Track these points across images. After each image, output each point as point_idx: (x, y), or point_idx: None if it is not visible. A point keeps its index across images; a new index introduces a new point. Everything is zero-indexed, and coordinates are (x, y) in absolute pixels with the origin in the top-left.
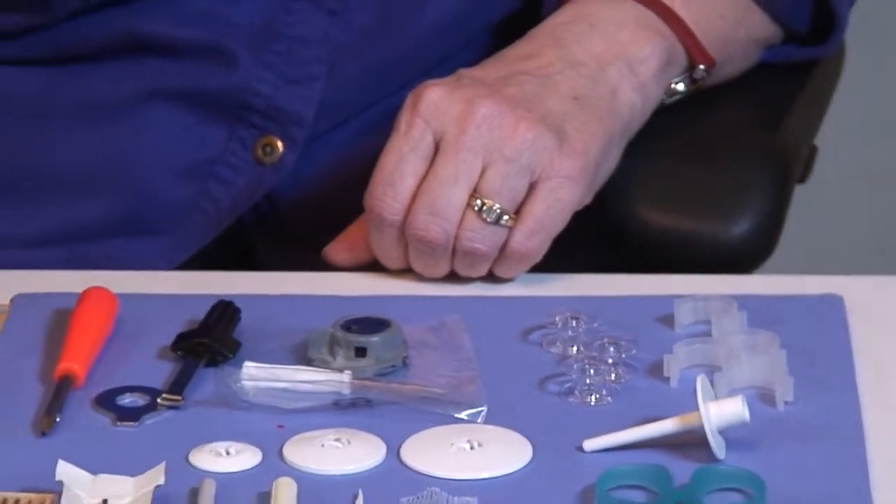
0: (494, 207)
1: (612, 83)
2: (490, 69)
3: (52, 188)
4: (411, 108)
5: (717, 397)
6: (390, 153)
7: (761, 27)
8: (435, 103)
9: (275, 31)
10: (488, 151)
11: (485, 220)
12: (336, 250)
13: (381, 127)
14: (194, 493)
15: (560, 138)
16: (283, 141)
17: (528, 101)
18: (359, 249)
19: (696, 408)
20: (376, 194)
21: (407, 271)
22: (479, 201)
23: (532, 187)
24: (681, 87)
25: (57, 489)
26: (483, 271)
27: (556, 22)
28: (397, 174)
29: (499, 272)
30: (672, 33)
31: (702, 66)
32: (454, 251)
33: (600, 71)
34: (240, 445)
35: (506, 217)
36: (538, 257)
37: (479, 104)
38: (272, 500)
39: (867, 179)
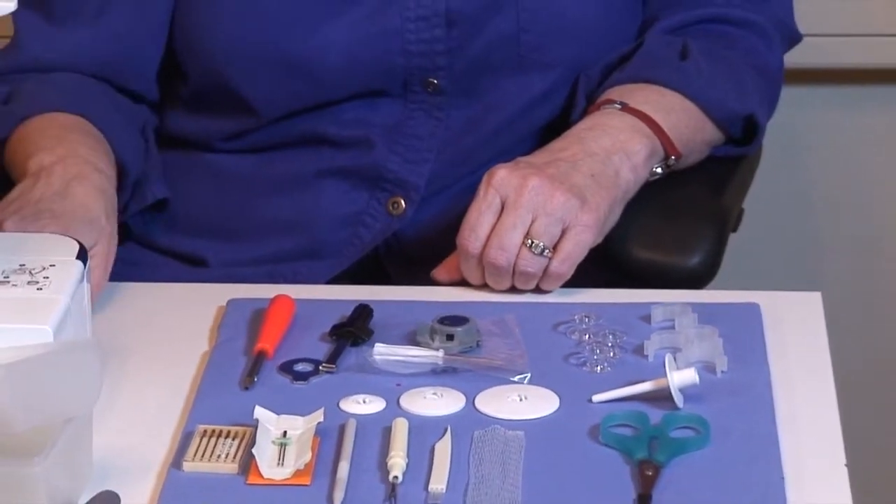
0: (540, 245)
1: (616, 167)
2: (538, 157)
3: (259, 231)
4: (487, 181)
5: (678, 368)
6: (473, 210)
7: (711, 134)
8: (502, 178)
9: (400, 130)
10: (536, 209)
11: (534, 253)
12: (439, 272)
13: (468, 192)
14: (342, 428)
15: (582, 201)
16: (405, 200)
17: (562, 177)
18: (453, 272)
19: (665, 374)
20: (465, 236)
21: (482, 287)
22: (530, 241)
23: (564, 232)
24: (659, 170)
25: (254, 424)
26: (532, 286)
27: (580, 128)
28: (478, 224)
29: (542, 286)
30: (655, 135)
31: (673, 157)
32: (514, 273)
33: (608, 158)
34: (371, 397)
35: (547, 251)
36: (567, 278)
37: (530, 179)
38: (392, 433)
39: (778, 230)
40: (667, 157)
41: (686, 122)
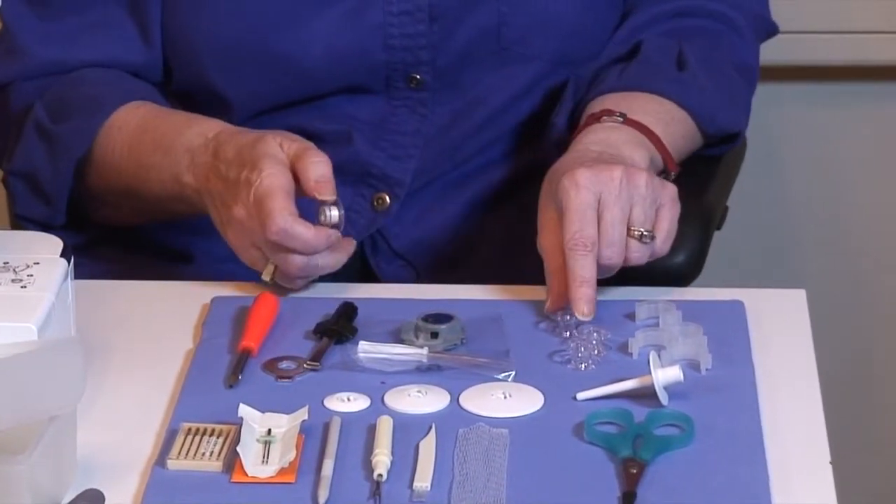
0: (643, 231)
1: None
2: (584, 154)
3: None
4: (573, 185)
5: (662, 366)
6: (572, 215)
7: (698, 143)
8: (589, 177)
9: (385, 127)
10: (631, 197)
11: (641, 242)
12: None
13: (452, 187)
14: (327, 426)
15: (655, 177)
16: (389, 196)
17: (625, 161)
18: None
19: (650, 372)
20: (575, 241)
21: (466, 283)
22: (635, 230)
23: (657, 211)
24: None
25: (238, 422)
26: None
27: (585, 140)
28: (585, 225)
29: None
30: (655, 149)
31: (672, 173)
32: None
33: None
34: (356, 395)
35: (648, 235)
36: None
37: (615, 170)
38: (377, 431)
39: (762, 228)
40: (666, 171)
41: (682, 133)
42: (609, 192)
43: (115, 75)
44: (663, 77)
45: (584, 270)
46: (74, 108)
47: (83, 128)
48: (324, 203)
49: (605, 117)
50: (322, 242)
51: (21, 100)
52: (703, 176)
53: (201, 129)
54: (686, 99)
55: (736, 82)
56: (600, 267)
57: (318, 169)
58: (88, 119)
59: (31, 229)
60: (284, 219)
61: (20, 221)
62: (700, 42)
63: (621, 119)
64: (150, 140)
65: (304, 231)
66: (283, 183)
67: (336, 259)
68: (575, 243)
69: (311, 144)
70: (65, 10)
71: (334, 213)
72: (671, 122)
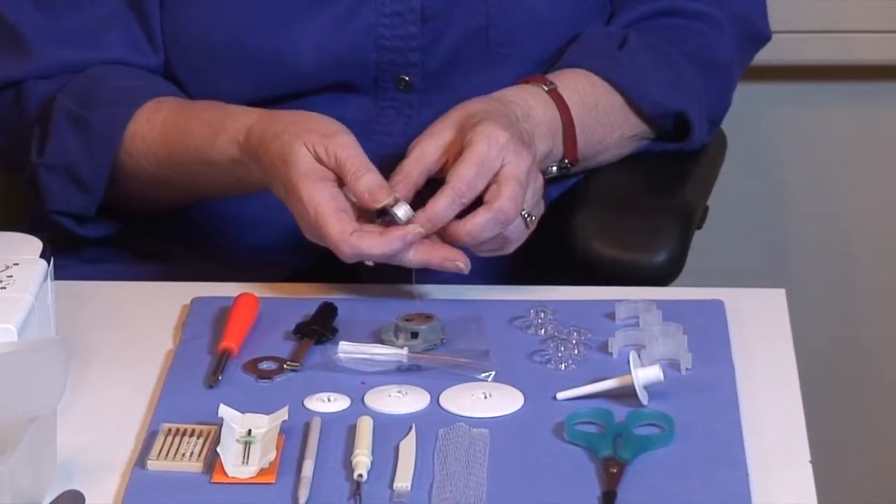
0: (531, 217)
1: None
2: (491, 104)
3: (226, 226)
4: (492, 140)
5: (642, 365)
6: (476, 159)
7: (634, 129)
8: (506, 144)
9: (371, 128)
10: (529, 183)
11: (525, 223)
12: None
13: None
14: (307, 426)
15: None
16: None
17: (528, 140)
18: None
19: (630, 372)
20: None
21: (448, 283)
22: (523, 212)
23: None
24: (554, 170)
25: (219, 423)
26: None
27: (507, 94)
28: (480, 174)
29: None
30: (561, 137)
31: (567, 161)
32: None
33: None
34: (336, 395)
35: (531, 218)
36: None
37: (528, 157)
38: (357, 431)
39: (742, 227)
40: (562, 160)
41: (605, 120)
42: (517, 172)
43: (134, 71)
44: (599, 56)
45: (445, 210)
46: (102, 99)
47: (115, 116)
48: (385, 207)
49: (534, 81)
50: (396, 246)
51: (38, 96)
52: (683, 175)
53: (229, 136)
54: (619, 77)
55: (683, 67)
56: (494, 238)
57: (365, 181)
58: (118, 108)
59: (64, 224)
60: (350, 245)
61: (54, 217)
62: (657, 34)
63: (547, 88)
64: (185, 154)
65: (374, 247)
66: (328, 202)
67: (421, 257)
68: (457, 190)
69: (346, 143)
70: (72, 7)
71: (400, 212)
72: (595, 108)
